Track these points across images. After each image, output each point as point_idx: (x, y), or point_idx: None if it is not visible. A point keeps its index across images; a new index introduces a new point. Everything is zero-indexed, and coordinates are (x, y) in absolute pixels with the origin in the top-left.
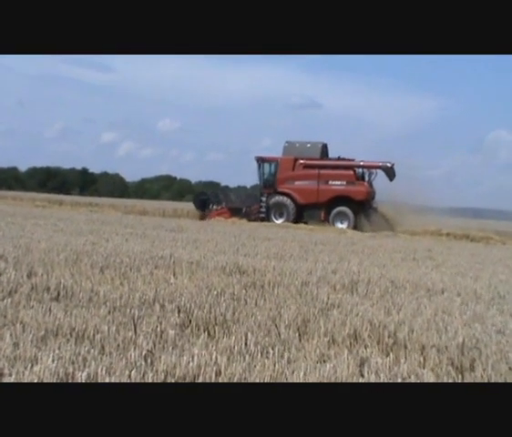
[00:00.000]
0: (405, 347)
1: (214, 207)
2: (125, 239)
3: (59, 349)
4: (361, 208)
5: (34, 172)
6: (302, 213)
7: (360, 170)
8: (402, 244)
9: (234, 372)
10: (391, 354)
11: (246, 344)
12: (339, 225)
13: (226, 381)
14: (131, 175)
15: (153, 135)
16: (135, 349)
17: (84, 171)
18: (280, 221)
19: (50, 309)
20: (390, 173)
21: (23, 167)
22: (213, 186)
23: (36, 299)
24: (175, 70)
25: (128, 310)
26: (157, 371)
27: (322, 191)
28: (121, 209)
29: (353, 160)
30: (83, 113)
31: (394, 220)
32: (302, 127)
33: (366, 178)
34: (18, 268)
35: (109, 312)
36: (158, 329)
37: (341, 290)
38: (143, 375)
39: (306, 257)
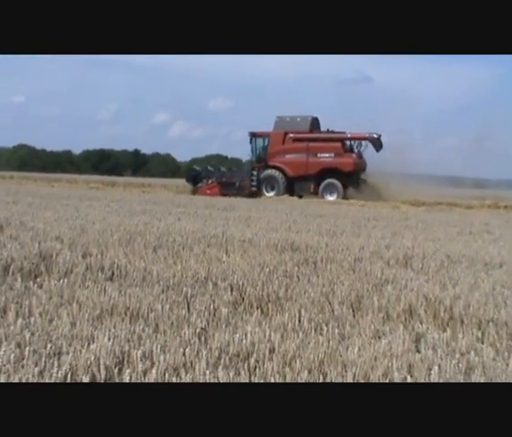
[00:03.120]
0: (462, 322)
1: (205, 181)
2: (177, 219)
3: (115, 327)
4: (349, 179)
5: (87, 155)
6: (293, 186)
7: (348, 142)
8: (457, 218)
9: (288, 349)
10: (448, 329)
11: (299, 321)
12: (328, 197)
13: (280, 357)
14: (182, 155)
15: (204, 115)
16: (188, 327)
17: (136, 153)
18: (271, 194)
19: (105, 289)
20: (377, 144)
21: (77, 150)
22: None
23: (91, 278)
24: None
25: (182, 289)
26: (211, 349)
27: (311, 164)
28: (173, 189)
29: (343, 133)
30: (134, 95)
31: (384, 190)
32: (352, 103)
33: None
34: (74, 248)
35: (163, 291)
36: (212, 307)
37: (394, 266)
38: (197, 353)
39: (359, 232)
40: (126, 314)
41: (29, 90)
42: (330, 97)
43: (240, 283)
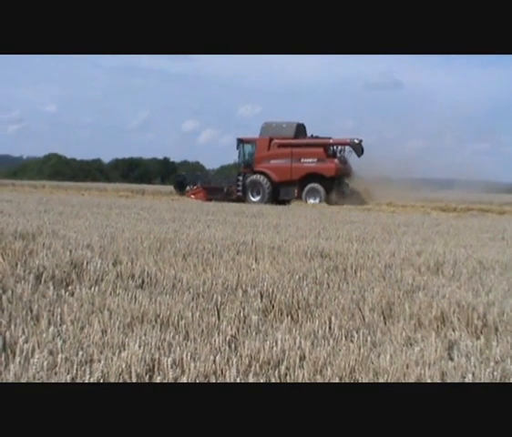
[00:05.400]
0: (497, 329)
1: (190, 187)
2: (206, 226)
3: (145, 335)
4: (332, 183)
5: (117, 163)
6: (279, 191)
7: (332, 147)
8: (489, 223)
9: (319, 356)
10: (481, 337)
11: (330, 328)
12: (311, 201)
13: (310, 365)
14: (211, 162)
15: (234, 121)
16: (219, 334)
17: (165, 161)
18: (256, 199)
19: (135, 297)
20: (358, 149)
21: (106, 159)
22: None
23: (122, 286)
24: (252, 56)
25: (212, 296)
26: (241, 357)
27: (294, 169)
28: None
29: (327, 139)
30: (164, 103)
31: (367, 194)
32: (383, 108)
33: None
34: (104, 256)
35: (193, 298)
36: (242, 314)
37: (426, 272)
38: (227, 360)
39: (389, 239)
40: (156, 322)
41: (61, 99)
42: (358, 102)
43: (270, 290)
